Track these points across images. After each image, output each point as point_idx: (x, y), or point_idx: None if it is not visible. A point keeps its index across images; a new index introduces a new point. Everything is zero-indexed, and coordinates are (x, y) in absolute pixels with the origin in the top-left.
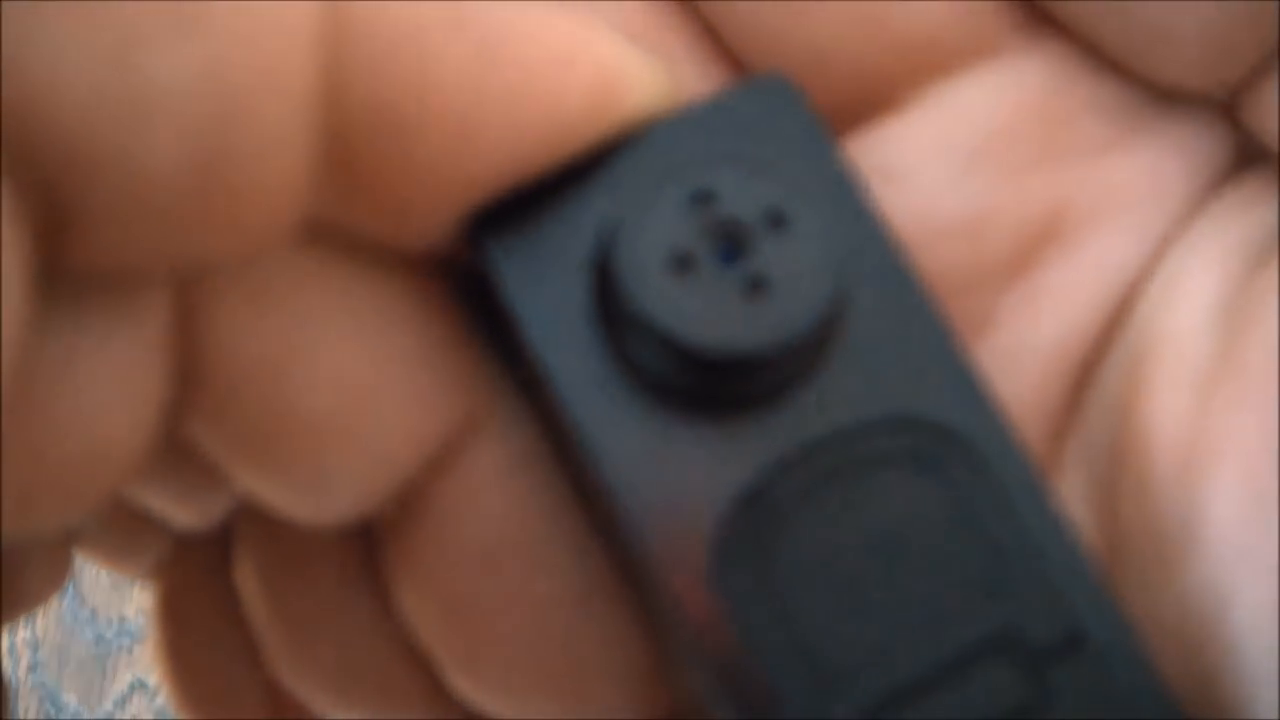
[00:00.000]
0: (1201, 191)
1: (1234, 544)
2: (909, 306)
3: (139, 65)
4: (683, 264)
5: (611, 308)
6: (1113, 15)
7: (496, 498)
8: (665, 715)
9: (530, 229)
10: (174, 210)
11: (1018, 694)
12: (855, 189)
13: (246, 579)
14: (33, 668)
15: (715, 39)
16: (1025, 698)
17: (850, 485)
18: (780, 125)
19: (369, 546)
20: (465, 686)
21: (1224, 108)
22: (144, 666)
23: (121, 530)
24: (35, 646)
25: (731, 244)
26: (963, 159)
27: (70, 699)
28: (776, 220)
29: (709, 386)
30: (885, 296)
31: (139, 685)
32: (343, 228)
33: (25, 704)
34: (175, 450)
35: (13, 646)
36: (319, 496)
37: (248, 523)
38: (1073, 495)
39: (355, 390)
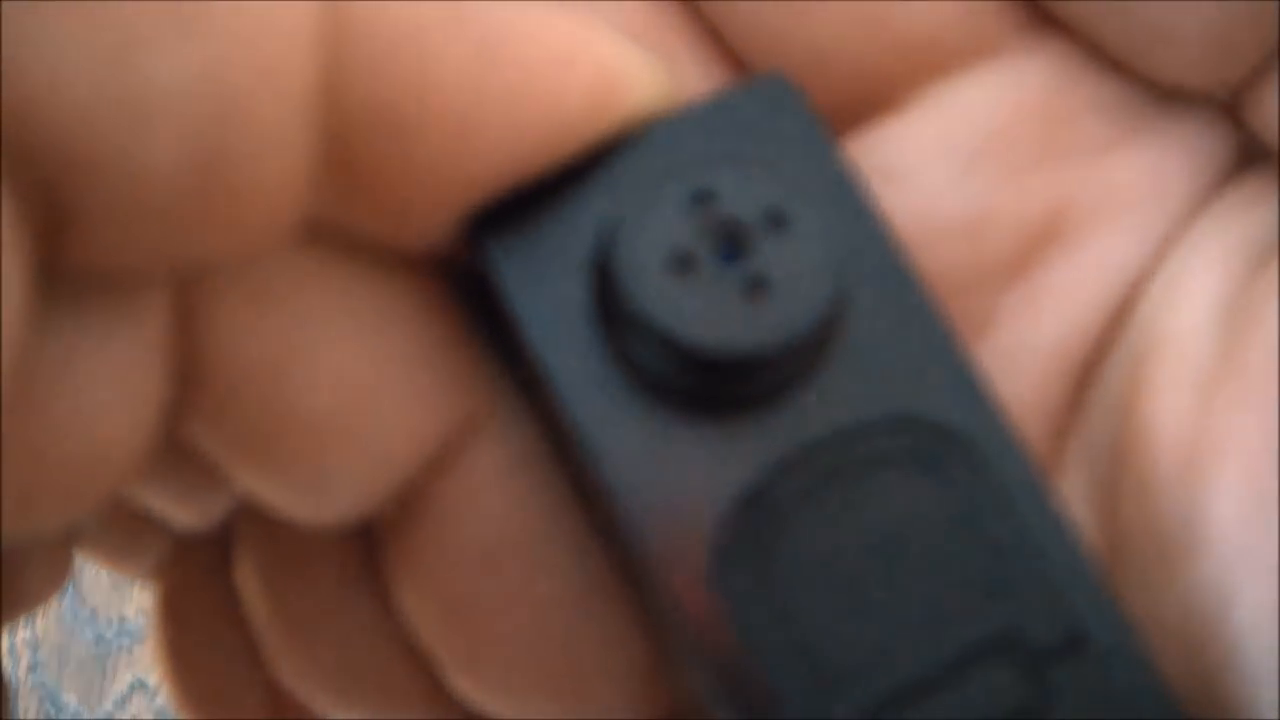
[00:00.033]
0: (1203, 191)
1: (1235, 544)
2: (909, 306)
3: (138, 66)
4: (683, 264)
5: (611, 307)
6: (1114, 14)
7: (497, 498)
8: (665, 715)
9: (530, 229)
10: (174, 210)
11: (1018, 695)
12: (856, 189)
13: (247, 579)
14: (33, 668)
15: (716, 39)
16: (1026, 698)
17: (851, 485)
18: (781, 125)
19: (369, 547)
20: (465, 686)
21: (1226, 107)
22: (144, 666)
23: (122, 530)
24: (35, 646)
25: (732, 244)
26: (963, 159)
27: (70, 699)
28: (777, 220)
29: (709, 386)
30: (886, 296)
31: (139, 685)
32: (343, 228)
33: (25, 704)
34: (175, 450)
35: (13, 646)
36: (319, 496)
37: (248, 523)
38: (1074, 495)
39: (355, 390)
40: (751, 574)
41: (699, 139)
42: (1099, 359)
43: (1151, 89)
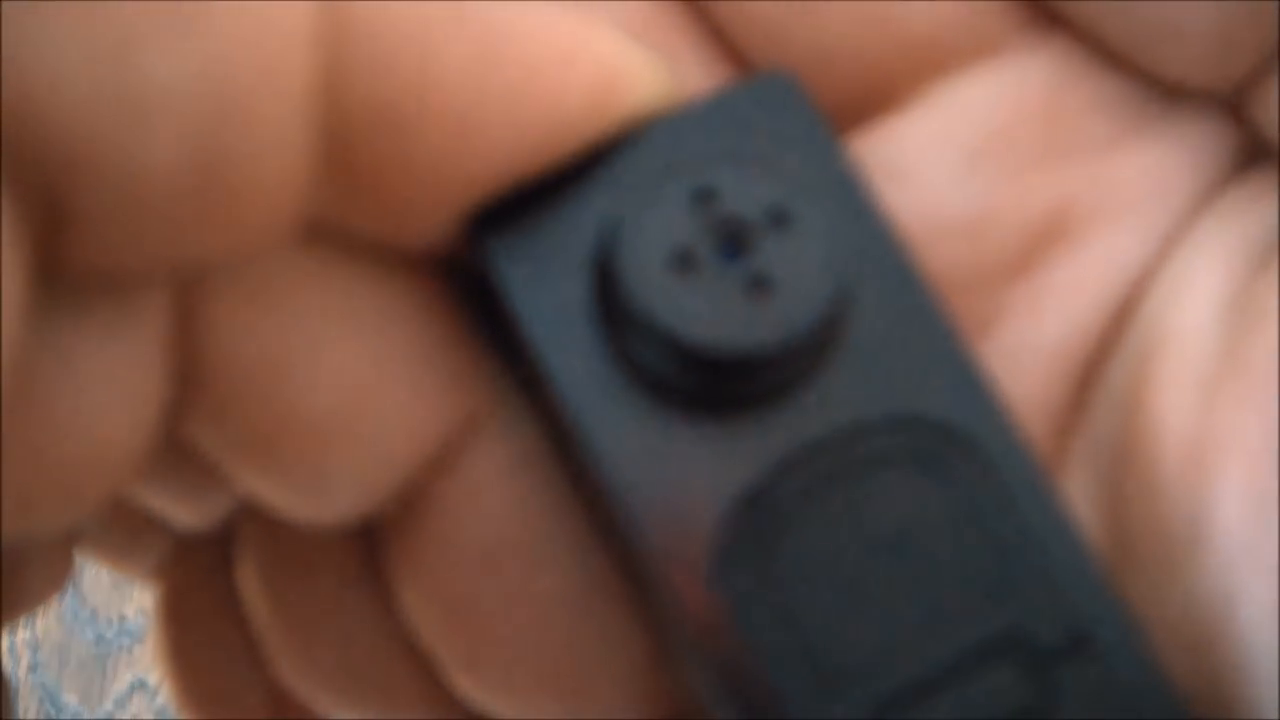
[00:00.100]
0: (1207, 189)
1: (1240, 542)
2: (913, 305)
3: (138, 64)
4: (684, 262)
5: (613, 306)
6: (1116, 12)
7: (497, 497)
8: (667, 715)
9: (531, 228)
10: (173, 210)
11: (1022, 695)
12: (859, 187)
13: (248, 579)
14: (33, 668)
15: (718, 36)
16: (1030, 698)
17: (853, 485)
18: (783, 122)
19: (370, 546)
20: (467, 686)
21: (1229, 104)
22: (144, 666)
23: (123, 530)
24: (35, 646)
25: (733, 242)
26: (966, 157)
27: (70, 699)
28: (779, 218)
29: (711, 385)
30: (889, 295)
31: (139, 685)
32: (343, 227)
33: (25, 704)
34: (175, 450)
35: (13, 646)
36: (320, 496)
37: (249, 523)
38: (1078, 494)
39: (356, 390)
40: (753, 573)
41: (701, 137)
42: (1102, 357)
43: (1154, 87)
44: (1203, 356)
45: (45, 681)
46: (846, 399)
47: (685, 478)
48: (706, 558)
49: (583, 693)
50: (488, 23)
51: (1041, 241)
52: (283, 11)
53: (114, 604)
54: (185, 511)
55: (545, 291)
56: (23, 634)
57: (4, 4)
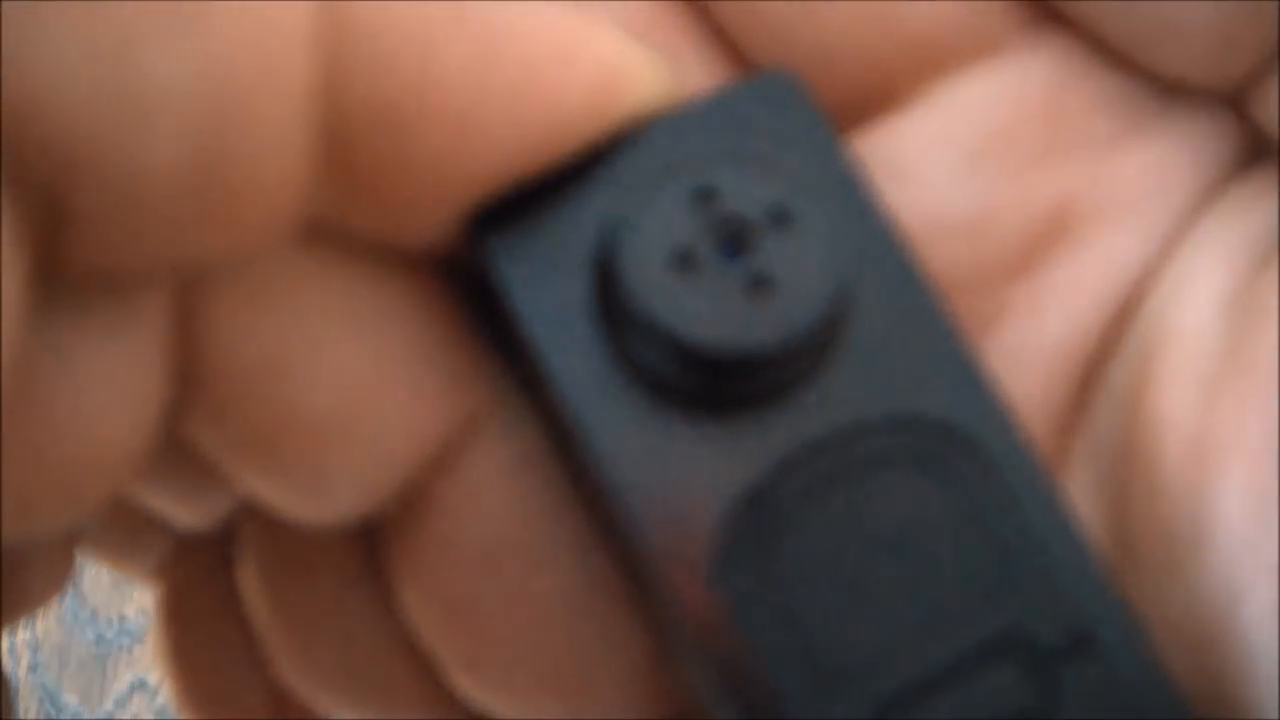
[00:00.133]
0: (1208, 187)
1: (1243, 541)
2: (914, 304)
3: (138, 64)
4: (685, 262)
5: (613, 306)
6: (1117, 10)
7: (498, 497)
8: (667, 715)
9: (531, 227)
10: (173, 210)
11: (1024, 695)
12: (860, 186)
13: (248, 579)
14: (33, 668)
15: (719, 35)
16: (1031, 698)
17: (854, 484)
18: (784, 121)
19: (370, 546)
20: (467, 686)
21: (1230, 102)
22: (145, 666)
23: (123, 530)
24: (35, 647)
25: (734, 241)
26: (968, 156)
27: (71, 699)
28: (780, 217)
29: (711, 385)
30: (890, 294)
31: (139, 685)
32: (343, 227)
33: (25, 704)
34: (175, 450)
35: (13, 646)
36: (320, 496)
37: (249, 523)
38: (1080, 493)
39: (356, 390)
40: (754, 573)
41: (701, 135)
42: (1104, 356)
43: (1155, 85)
44: (1204, 355)
45: (45, 682)
46: (847, 399)
47: (685, 478)
48: (707, 557)
49: (583, 693)
50: (488, 22)
51: (1042, 241)
52: (283, 11)
53: (114, 604)
54: (185, 511)
55: (545, 291)
56: (23, 634)
57: (4, 4)
